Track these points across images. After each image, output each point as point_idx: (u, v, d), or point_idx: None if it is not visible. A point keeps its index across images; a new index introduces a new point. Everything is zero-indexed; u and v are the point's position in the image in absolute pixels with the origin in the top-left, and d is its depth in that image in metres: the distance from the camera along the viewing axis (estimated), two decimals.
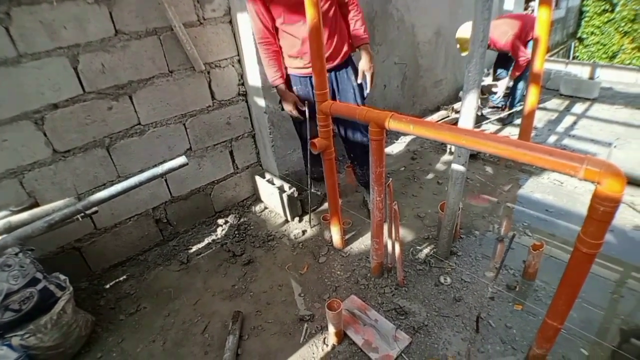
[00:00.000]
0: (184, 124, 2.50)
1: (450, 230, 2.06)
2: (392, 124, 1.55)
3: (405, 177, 3.16)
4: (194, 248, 2.57)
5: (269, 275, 2.25)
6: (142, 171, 1.75)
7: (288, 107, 2.21)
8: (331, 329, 1.76)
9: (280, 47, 2.15)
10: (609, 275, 2.10)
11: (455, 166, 1.88)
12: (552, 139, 3.68)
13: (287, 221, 2.66)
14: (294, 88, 2.25)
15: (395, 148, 3.72)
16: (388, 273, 2.12)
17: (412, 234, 2.47)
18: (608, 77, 5.49)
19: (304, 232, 2.54)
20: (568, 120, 4.11)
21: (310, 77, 2.16)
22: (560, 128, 3.92)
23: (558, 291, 1.38)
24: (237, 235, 2.60)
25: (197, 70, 2.41)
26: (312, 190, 2.68)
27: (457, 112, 3.71)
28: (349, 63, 2.23)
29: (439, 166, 3.32)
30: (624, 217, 2.56)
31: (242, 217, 2.79)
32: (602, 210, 1.13)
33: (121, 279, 2.35)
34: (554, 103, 4.62)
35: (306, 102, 2.18)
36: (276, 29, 2.08)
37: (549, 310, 1.45)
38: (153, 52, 2.25)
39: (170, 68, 2.34)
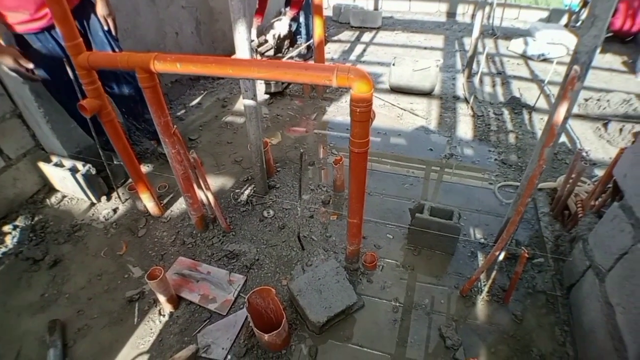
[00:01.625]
0: None
1: (261, 165, 2.11)
2: (158, 66, 1.43)
3: (218, 126, 3.08)
4: None
5: (83, 269, 1.96)
6: None
7: (9, 65, 1.80)
8: (162, 298, 1.66)
9: None
10: (401, 170, 2.52)
11: (245, 102, 1.88)
12: None
13: (93, 204, 2.31)
14: (33, 48, 1.87)
15: (205, 99, 3.56)
16: (213, 224, 2.09)
17: (232, 179, 2.46)
18: (389, 7, 6.30)
19: (115, 210, 2.25)
20: (359, 48, 4.60)
21: (49, 29, 1.82)
22: (353, 56, 4.37)
23: (349, 193, 1.56)
24: (34, 238, 2.15)
25: None
26: (115, 162, 2.37)
27: (261, 53, 3.72)
28: (87, 6, 1.95)
29: None
30: (408, 122, 3.08)
31: (36, 215, 2.30)
32: (359, 111, 1.27)
33: None
34: (346, 35, 5.09)
35: (63, 60, 1.82)
36: None
37: (349, 211, 1.64)
38: None
39: None
